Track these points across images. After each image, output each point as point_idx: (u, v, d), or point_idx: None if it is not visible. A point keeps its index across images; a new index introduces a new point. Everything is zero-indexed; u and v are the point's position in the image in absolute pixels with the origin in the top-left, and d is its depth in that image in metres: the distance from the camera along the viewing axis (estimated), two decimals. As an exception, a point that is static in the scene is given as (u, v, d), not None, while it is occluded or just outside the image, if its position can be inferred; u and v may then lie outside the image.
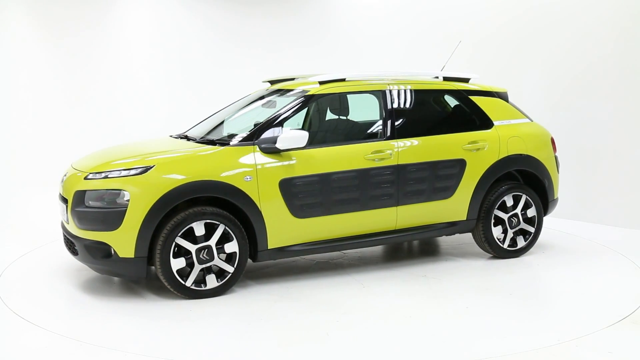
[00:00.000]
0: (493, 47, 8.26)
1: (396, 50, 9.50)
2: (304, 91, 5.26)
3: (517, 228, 5.71)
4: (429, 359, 3.72)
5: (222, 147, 4.85)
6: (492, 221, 5.59)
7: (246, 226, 4.79)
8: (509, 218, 5.65)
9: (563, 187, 6.36)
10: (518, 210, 5.68)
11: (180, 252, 4.61)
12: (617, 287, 5.04)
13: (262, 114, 5.32)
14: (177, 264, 4.57)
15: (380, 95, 5.39)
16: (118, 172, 4.59)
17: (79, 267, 5.37)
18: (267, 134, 4.88)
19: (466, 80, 5.83)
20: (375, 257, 5.90)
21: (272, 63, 10.00)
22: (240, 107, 5.75)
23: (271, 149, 4.81)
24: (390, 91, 5.41)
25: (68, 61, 9.58)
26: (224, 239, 4.69)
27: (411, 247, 6.27)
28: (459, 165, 5.44)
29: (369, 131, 5.54)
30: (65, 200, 4.81)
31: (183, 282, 4.60)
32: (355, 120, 5.73)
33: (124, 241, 4.49)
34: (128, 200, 4.48)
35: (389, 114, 5.34)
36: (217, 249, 4.66)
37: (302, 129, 5.40)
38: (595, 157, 7.29)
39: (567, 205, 7.07)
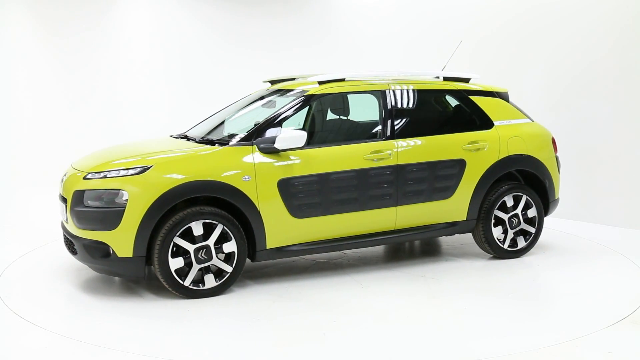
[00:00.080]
0: (493, 47, 8.25)
1: (396, 50, 9.49)
2: (303, 91, 5.26)
3: (517, 228, 5.69)
4: (428, 359, 3.72)
5: (221, 147, 4.84)
6: (493, 221, 5.58)
7: (245, 226, 4.79)
8: (509, 218, 5.64)
9: (563, 187, 6.34)
10: (518, 210, 5.66)
11: (179, 251, 4.61)
12: (617, 287, 5.03)
13: (262, 114, 5.32)
14: (176, 263, 4.57)
15: (380, 95, 5.38)
16: (117, 171, 4.59)
17: (78, 267, 5.37)
18: (266, 134, 4.87)
19: (466, 80, 5.82)
20: (374, 257, 5.89)
21: (272, 63, 9.98)
22: (240, 107, 5.74)
23: (270, 149, 4.81)
24: (390, 91, 5.40)
25: (68, 61, 9.57)
26: (223, 238, 4.68)
27: (411, 247, 6.26)
28: (459, 166, 5.43)
29: (368, 131, 5.53)
30: (64, 200, 4.81)
31: (181, 282, 4.60)
32: (355, 120, 5.72)
33: (122, 241, 4.49)
34: (126, 200, 4.48)
35: (389, 114, 5.33)
36: (215, 248, 4.66)
37: (302, 129, 5.39)
38: (596, 157, 7.28)
39: (568, 206, 7.05)
